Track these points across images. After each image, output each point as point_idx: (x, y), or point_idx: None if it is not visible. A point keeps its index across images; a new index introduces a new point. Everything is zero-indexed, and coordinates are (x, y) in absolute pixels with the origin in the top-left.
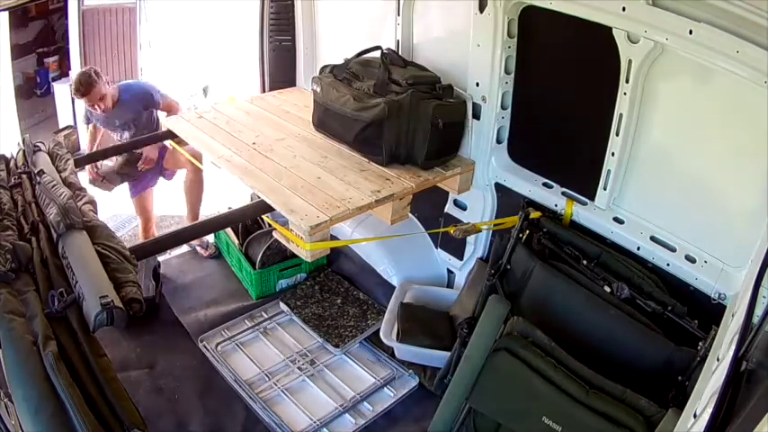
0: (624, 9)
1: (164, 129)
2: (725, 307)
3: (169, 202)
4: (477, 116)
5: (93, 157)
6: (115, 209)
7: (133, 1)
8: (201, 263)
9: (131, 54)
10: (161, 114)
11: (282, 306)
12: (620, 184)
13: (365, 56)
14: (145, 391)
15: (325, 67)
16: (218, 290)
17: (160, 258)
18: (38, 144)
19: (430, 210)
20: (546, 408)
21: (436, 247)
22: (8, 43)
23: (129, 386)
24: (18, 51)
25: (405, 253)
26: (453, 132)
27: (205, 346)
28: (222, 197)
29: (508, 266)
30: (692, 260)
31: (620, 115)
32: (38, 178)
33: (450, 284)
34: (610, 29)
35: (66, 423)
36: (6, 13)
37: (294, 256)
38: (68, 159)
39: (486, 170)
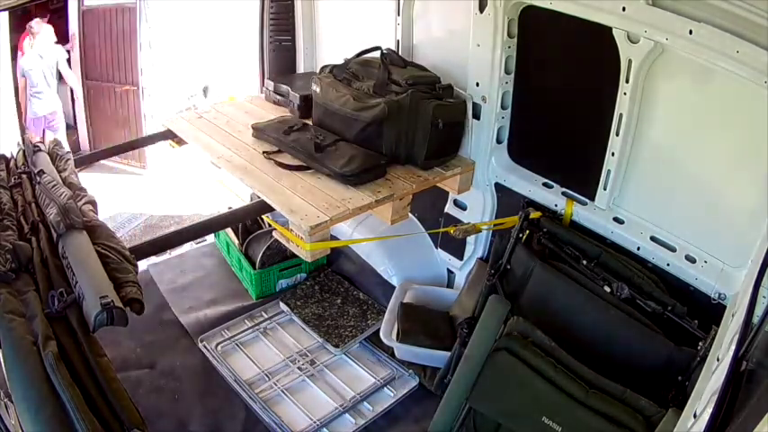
0: (624, 9)
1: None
2: (725, 307)
3: (169, 202)
4: (477, 116)
5: (93, 157)
6: (115, 209)
7: (133, 1)
8: (202, 263)
9: (131, 54)
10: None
11: (282, 306)
12: (621, 184)
13: (365, 56)
14: (145, 391)
15: (325, 67)
16: (218, 290)
17: (159, 259)
18: (38, 144)
19: (430, 210)
20: (546, 408)
21: (436, 247)
22: (8, 43)
23: (129, 386)
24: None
25: (405, 253)
26: (453, 132)
27: (205, 346)
28: (222, 197)
29: (508, 266)
30: (692, 260)
31: (621, 115)
32: (38, 178)
33: (450, 284)
34: (610, 29)
35: (66, 423)
36: (6, 13)
37: (294, 256)
38: (68, 159)
39: (486, 170)
